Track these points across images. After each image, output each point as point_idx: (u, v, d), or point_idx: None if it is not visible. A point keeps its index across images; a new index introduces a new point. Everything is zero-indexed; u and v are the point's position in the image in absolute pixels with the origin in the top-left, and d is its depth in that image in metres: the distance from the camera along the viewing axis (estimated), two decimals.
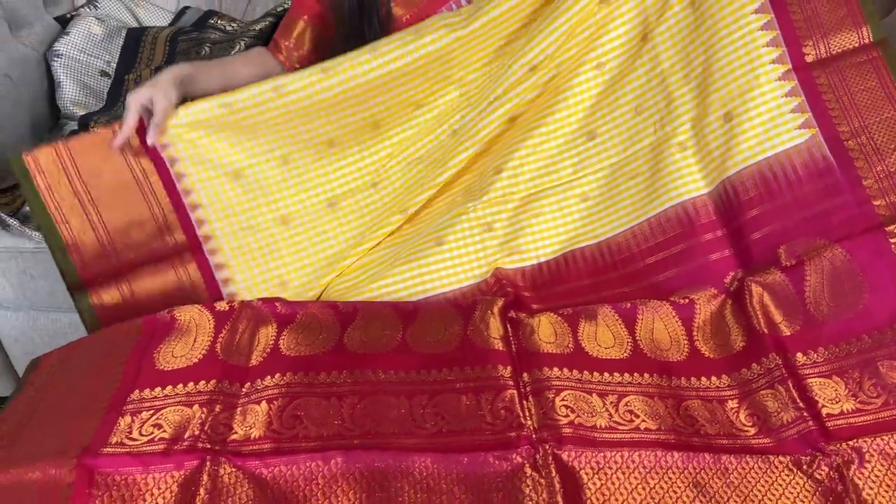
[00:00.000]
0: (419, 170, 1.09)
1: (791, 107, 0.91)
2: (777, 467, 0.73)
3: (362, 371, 0.83)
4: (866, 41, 0.92)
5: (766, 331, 0.85)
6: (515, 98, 1.04)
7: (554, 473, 0.72)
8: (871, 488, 0.70)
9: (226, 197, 1.06)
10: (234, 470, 0.73)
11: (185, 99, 1.05)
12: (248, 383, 0.83)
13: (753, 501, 0.71)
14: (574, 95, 1.05)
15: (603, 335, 0.88)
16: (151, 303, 1.03)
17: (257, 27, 1.52)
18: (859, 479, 0.71)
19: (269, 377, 0.83)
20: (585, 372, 0.84)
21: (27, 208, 1.21)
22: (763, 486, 0.72)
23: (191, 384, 0.82)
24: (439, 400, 0.80)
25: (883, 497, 0.70)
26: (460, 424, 0.77)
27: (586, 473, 0.73)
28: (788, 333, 0.84)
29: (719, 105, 0.95)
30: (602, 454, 0.74)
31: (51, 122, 1.48)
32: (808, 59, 0.92)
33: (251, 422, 0.78)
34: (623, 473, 0.73)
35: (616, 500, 0.71)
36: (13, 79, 1.36)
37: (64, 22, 1.57)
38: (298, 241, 1.08)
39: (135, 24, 1.65)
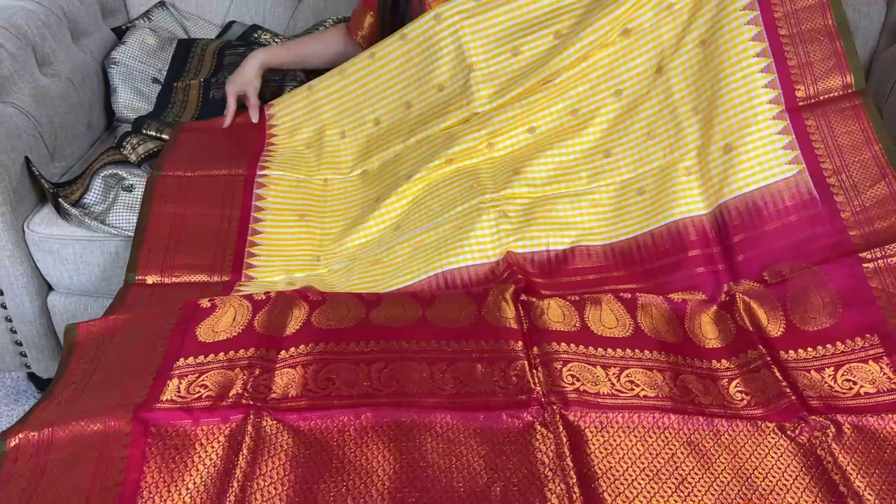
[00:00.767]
0: (430, 144, 1.21)
1: (783, 143, 1.00)
2: (764, 431, 0.79)
3: (387, 341, 0.89)
4: (850, 90, 1.01)
5: (752, 330, 0.93)
6: (527, 87, 1.17)
7: (561, 429, 0.78)
8: (845, 455, 0.76)
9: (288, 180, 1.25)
10: (275, 422, 0.78)
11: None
12: (284, 350, 0.88)
13: (742, 459, 0.77)
14: (594, 117, 1.14)
15: (607, 317, 0.95)
16: (178, 288, 1.09)
17: None
18: (836, 445, 0.77)
19: (302, 346, 0.88)
20: (591, 347, 0.90)
21: (86, 199, 1.30)
22: (751, 446, 0.78)
23: (231, 352, 0.87)
24: (457, 367, 0.86)
25: (856, 462, 0.76)
26: (476, 387, 0.83)
27: (590, 431, 0.79)
28: (774, 336, 0.91)
29: (721, 137, 1.03)
30: (605, 415, 0.80)
31: (105, 124, 1.54)
32: (800, 102, 1.01)
33: (288, 382, 0.83)
34: (624, 432, 0.79)
35: (617, 454, 0.77)
36: (74, 84, 1.42)
37: (120, 32, 1.63)
38: (330, 204, 1.24)
39: (184, 36, 1.70)
